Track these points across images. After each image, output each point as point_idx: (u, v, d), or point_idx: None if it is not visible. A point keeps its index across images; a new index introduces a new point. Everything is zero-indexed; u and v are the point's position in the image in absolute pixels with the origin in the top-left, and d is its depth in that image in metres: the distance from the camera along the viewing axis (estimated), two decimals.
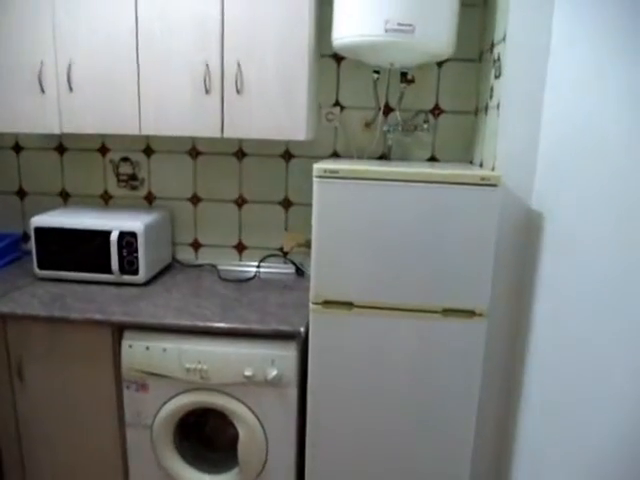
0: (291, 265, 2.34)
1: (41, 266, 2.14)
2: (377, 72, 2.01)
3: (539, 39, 1.58)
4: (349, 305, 1.67)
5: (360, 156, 2.20)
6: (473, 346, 1.64)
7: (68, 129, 2.00)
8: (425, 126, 2.11)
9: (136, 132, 1.96)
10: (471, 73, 2.08)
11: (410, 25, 1.60)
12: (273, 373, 1.73)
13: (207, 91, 1.88)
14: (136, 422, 1.88)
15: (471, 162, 2.12)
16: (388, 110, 2.14)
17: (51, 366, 1.90)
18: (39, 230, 2.10)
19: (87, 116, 1.97)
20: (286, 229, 2.33)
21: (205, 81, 1.87)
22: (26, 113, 2.01)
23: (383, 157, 2.19)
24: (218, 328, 1.77)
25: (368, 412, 1.74)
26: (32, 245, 2.12)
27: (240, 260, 2.40)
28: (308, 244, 2.20)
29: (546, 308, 1.56)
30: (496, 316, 1.76)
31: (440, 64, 2.08)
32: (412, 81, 2.05)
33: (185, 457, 1.93)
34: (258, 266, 2.36)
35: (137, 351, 1.81)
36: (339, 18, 1.75)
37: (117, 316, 1.81)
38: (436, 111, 2.13)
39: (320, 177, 1.60)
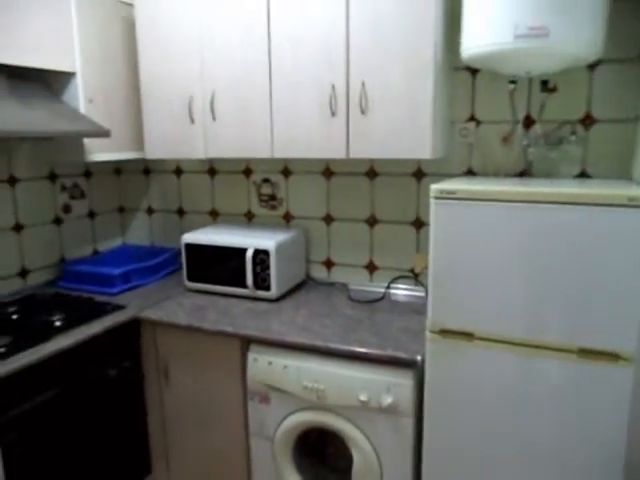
0: (421, 287, 2.24)
1: (190, 278, 2.35)
2: (513, 82, 1.85)
3: None
4: (469, 336, 1.54)
5: (497, 173, 2.03)
6: (616, 396, 1.39)
7: (211, 154, 2.18)
8: (572, 138, 1.87)
9: (268, 155, 2.06)
10: (630, 75, 1.80)
11: (543, 28, 1.44)
12: (388, 400, 1.67)
13: (333, 113, 1.91)
14: (259, 432, 1.95)
15: (631, 179, 1.83)
16: (529, 123, 1.95)
17: (190, 370, 2.07)
18: (188, 246, 2.32)
19: (227, 142, 2.14)
20: (417, 250, 2.25)
21: (331, 103, 1.90)
22: (180, 141, 2.25)
23: (524, 174, 2.00)
24: (334, 349, 1.76)
25: (488, 452, 1.58)
26: (183, 259, 2.35)
27: (371, 280, 2.37)
28: None
29: None
30: None
31: (591, 67, 1.84)
32: (554, 89, 1.84)
33: (304, 474, 1.95)
34: (388, 287, 2.31)
35: (261, 365, 1.88)
36: (466, 27, 1.65)
37: (246, 330, 1.91)
38: (587, 121, 1.88)
39: (437, 198, 1.51)
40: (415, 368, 1.67)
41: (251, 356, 1.91)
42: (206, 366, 2.03)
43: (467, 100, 2.06)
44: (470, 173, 2.11)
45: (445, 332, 1.57)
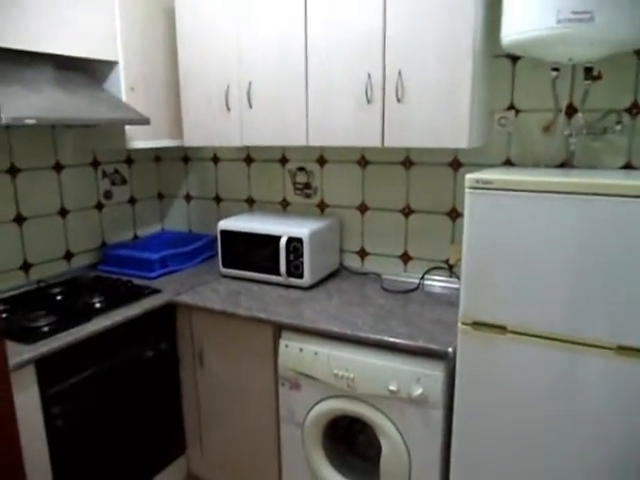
0: (456, 279, 2.21)
1: (225, 265, 2.39)
2: (556, 69, 1.79)
3: None
4: (502, 329, 1.51)
5: (537, 164, 1.98)
6: None
7: (247, 142, 2.21)
8: (618, 128, 1.80)
9: (304, 144, 2.07)
10: None
11: (587, 12, 1.38)
12: (418, 391, 1.66)
13: (368, 101, 1.89)
14: (289, 418, 1.98)
15: None
16: (572, 111, 1.89)
17: (224, 354, 2.11)
18: (224, 233, 2.36)
19: (263, 130, 2.15)
20: (452, 241, 2.22)
21: (367, 92, 1.89)
22: (217, 128, 2.28)
23: (565, 165, 1.94)
24: (364, 338, 1.76)
25: (518, 449, 1.55)
26: (219, 245, 2.39)
27: (405, 271, 2.35)
28: None
29: None
30: None
31: (638, 53, 1.76)
32: (599, 77, 1.77)
33: (333, 461, 1.97)
34: (422, 278, 2.29)
35: (292, 351, 1.90)
36: (507, 13, 1.60)
37: (278, 317, 1.93)
38: (633, 110, 1.80)
39: (472, 188, 1.49)
40: (446, 360, 1.65)
41: (283, 342, 1.93)
42: (239, 351, 2.07)
43: (506, 88, 2.01)
44: (508, 163, 2.06)
45: (477, 324, 1.55)
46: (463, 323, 1.57)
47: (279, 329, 1.96)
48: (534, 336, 1.47)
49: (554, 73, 1.80)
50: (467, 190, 1.50)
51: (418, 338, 1.71)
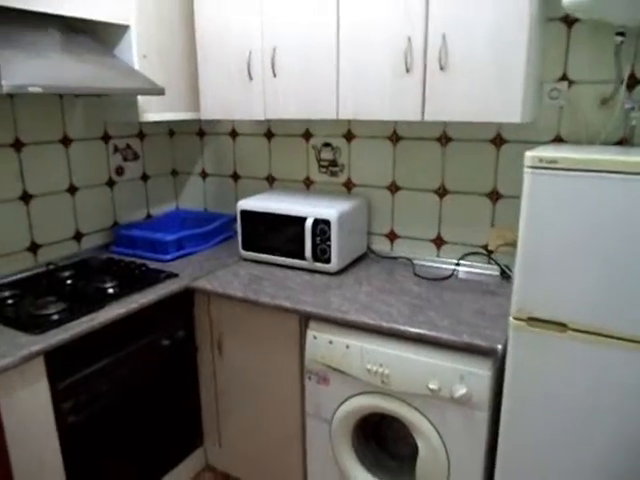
0: (495, 266, 2.05)
1: (245, 247, 2.24)
2: (621, 34, 1.59)
3: None
4: (562, 326, 1.35)
5: (592, 141, 1.79)
6: None
7: (271, 115, 2.03)
8: None
9: (333, 117, 1.89)
10: None
11: None
12: (461, 391, 1.51)
13: (407, 70, 1.71)
14: (316, 414, 1.85)
15: None
16: (633, 82, 1.69)
17: (245, 344, 1.98)
18: (244, 213, 2.20)
19: (288, 101, 1.97)
20: (492, 225, 2.05)
21: (406, 59, 1.70)
22: (237, 100, 2.10)
23: (623, 142, 1.75)
24: (402, 331, 1.61)
25: (572, 458, 1.41)
26: (238, 227, 2.23)
27: (438, 255, 2.19)
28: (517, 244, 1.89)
29: None
30: None
31: None
32: None
33: (363, 460, 1.84)
34: (457, 264, 2.12)
35: (321, 343, 1.76)
36: None
37: (305, 305, 1.78)
38: None
39: (533, 167, 1.31)
40: (494, 358, 1.50)
41: (310, 333, 1.78)
42: (261, 340, 1.93)
43: (559, 57, 1.81)
44: (558, 140, 1.87)
45: (533, 320, 1.39)
46: (516, 318, 1.41)
47: (306, 319, 1.82)
48: (600, 335, 1.31)
49: (619, 38, 1.60)
50: (526, 169, 1.32)
51: (462, 332, 1.55)
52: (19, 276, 2.05)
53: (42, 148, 2.13)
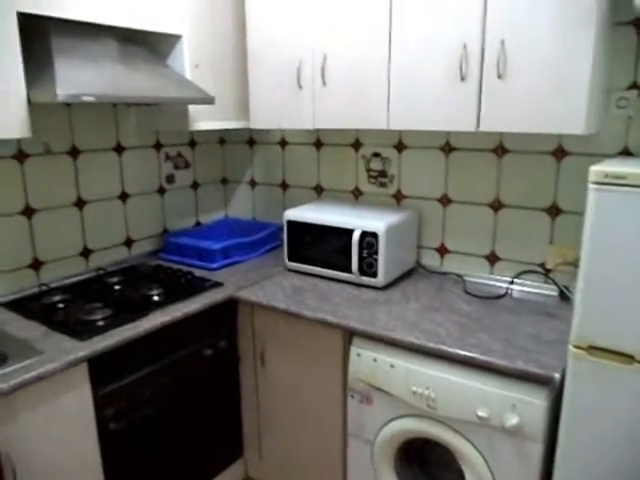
0: (554, 286, 1.92)
1: (290, 258, 2.21)
2: None
3: None
4: (627, 358, 1.23)
5: None
6: None
7: (320, 124, 1.99)
8: None
9: (383, 127, 1.83)
10: None
11: None
12: (513, 421, 1.41)
13: (462, 78, 1.63)
14: (357, 434, 1.78)
15: None
16: None
17: (287, 357, 1.94)
18: (290, 223, 2.17)
19: (337, 110, 1.93)
20: (551, 242, 1.92)
21: (461, 66, 1.62)
22: (286, 109, 2.07)
23: None
24: (450, 354, 1.52)
25: None
26: (284, 237, 2.20)
27: (491, 273, 2.08)
28: (578, 263, 1.76)
29: None
30: None
31: None
32: None
33: None
34: (512, 282, 2.01)
35: (364, 361, 1.70)
36: None
37: (349, 321, 1.73)
38: None
39: (598, 183, 1.20)
40: (550, 387, 1.39)
41: (354, 350, 1.72)
42: (304, 354, 1.88)
43: (629, 63, 1.68)
44: (626, 153, 1.74)
45: (594, 349, 1.27)
46: (576, 346, 1.30)
47: (350, 335, 1.76)
48: None
49: None
50: (590, 185, 1.22)
51: (515, 358, 1.45)
52: (71, 280, 2.09)
53: (96, 156, 2.18)
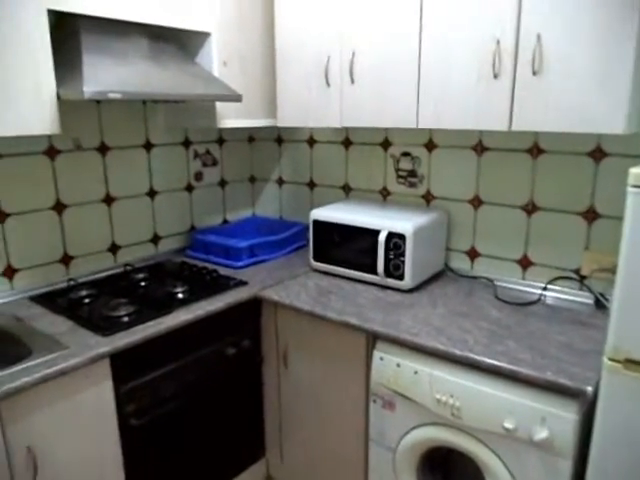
0: (589, 294, 1.83)
1: (316, 258, 2.18)
2: None
3: None
4: None
5: None
6: None
7: (348, 122, 1.95)
8: None
9: (413, 126, 1.78)
10: None
11: None
12: (541, 434, 1.35)
13: (495, 75, 1.56)
14: (379, 441, 1.74)
15: None
16: None
17: (310, 358, 1.91)
18: (316, 223, 2.14)
19: (366, 109, 1.89)
20: (587, 247, 1.84)
21: (494, 63, 1.56)
22: (314, 107, 2.05)
23: None
24: (477, 361, 1.46)
25: None
26: (310, 237, 2.17)
27: (523, 278, 2.00)
28: (616, 270, 1.67)
29: None
30: None
31: None
32: None
33: None
34: (545, 288, 1.93)
35: (388, 366, 1.65)
36: None
37: (373, 324, 1.69)
38: None
39: (638, 186, 1.13)
40: (582, 400, 1.32)
41: (377, 354, 1.68)
42: (327, 356, 1.85)
43: None
44: None
45: (631, 363, 1.20)
46: (611, 359, 1.23)
47: (373, 338, 1.71)
48: None
49: None
50: (630, 189, 1.15)
51: (545, 368, 1.39)
52: (98, 276, 2.12)
53: (125, 152, 2.20)
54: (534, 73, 1.50)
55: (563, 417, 1.33)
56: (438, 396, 1.53)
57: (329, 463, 1.97)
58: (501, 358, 1.45)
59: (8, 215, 1.87)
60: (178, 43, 2.05)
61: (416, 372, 1.58)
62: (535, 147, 1.89)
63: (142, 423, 1.68)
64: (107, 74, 1.65)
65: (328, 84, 1.96)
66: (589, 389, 1.29)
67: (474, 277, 2.10)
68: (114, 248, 2.21)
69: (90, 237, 2.12)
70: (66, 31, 1.73)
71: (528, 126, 1.55)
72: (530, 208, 1.94)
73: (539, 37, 1.47)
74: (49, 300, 1.86)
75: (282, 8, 2.06)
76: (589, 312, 1.77)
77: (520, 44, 1.51)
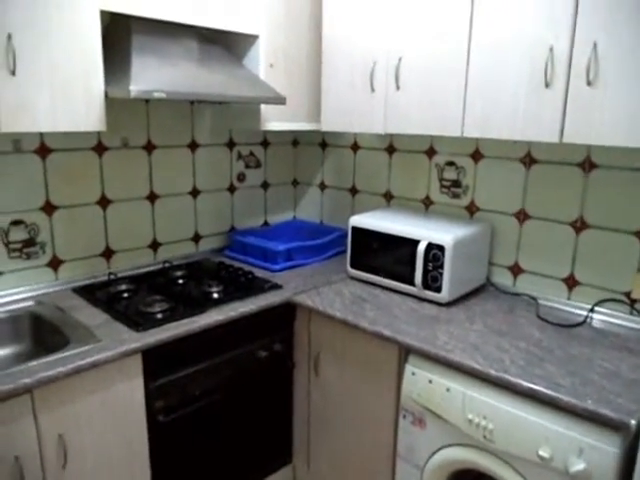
0: (639, 319, 1.73)
1: (353, 265, 2.15)
2: None
3: None
4: None
5: None
6: None
7: (391, 129, 1.92)
8: None
9: (457, 134, 1.72)
10: None
11: None
12: (578, 466, 1.27)
13: (547, 84, 1.49)
14: (407, 458, 1.69)
15: None
16: None
17: (341, 367, 1.88)
18: (355, 229, 2.11)
19: (410, 116, 1.85)
20: (639, 270, 1.73)
21: (546, 71, 1.49)
22: (358, 113, 2.02)
23: None
24: (512, 384, 1.40)
25: None
26: (348, 243, 2.14)
27: (568, 298, 1.91)
28: None
29: None
30: None
31: None
32: None
33: None
34: (591, 310, 1.83)
35: (419, 381, 1.60)
36: None
37: (406, 337, 1.64)
38: None
39: None
40: (624, 433, 1.24)
41: (409, 368, 1.63)
42: (358, 366, 1.82)
43: None
44: None
45: None
46: None
47: (406, 352, 1.67)
48: None
49: None
50: None
51: (586, 396, 1.31)
52: (137, 271, 2.16)
53: (170, 151, 2.24)
54: (589, 83, 1.42)
55: (603, 450, 1.25)
56: (470, 416, 1.47)
57: (356, 475, 1.93)
58: (539, 382, 1.37)
59: (56, 208, 1.93)
60: (225, 45, 2.07)
61: (448, 390, 1.53)
62: (587, 161, 1.80)
63: (170, 420, 1.70)
64: (154, 74, 1.68)
65: (373, 89, 1.93)
66: (632, 422, 1.20)
67: (516, 294, 2.02)
68: (155, 245, 2.25)
69: (132, 233, 2.17)
70: (118, 31, 1.78)
71: (580, 139, 1.47)
72: (579, 225, 1.85)
73: (595, 45, 1.39)
74: (89, 292, 1.91)
75: (330, 13, 2.05)
76: (638, 338, 1.66)
77: (574, 52, 1.43)
